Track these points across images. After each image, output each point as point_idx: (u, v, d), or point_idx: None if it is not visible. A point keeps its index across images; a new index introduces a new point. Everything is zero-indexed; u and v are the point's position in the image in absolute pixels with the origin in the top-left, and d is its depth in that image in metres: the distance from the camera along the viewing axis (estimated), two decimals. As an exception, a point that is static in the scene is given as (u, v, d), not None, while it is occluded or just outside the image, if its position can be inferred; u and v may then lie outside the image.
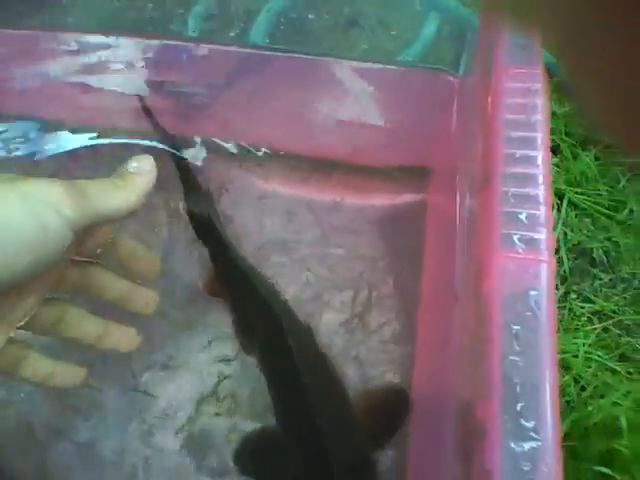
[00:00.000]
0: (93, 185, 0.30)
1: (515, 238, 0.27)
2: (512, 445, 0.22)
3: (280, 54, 0.59)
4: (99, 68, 0.60)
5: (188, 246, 0.52)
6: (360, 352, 0.51)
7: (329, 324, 0.51)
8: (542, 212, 0.28)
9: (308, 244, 0.55)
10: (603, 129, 0.15)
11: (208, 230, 0.50)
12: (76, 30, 0.59)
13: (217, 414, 0.47)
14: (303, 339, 0.46)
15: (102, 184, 0.31)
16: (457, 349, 0.37)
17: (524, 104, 0.33)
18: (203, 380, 0.48)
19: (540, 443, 0.22)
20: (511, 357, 0.24)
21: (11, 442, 0.47)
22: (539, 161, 0.30)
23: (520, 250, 0.27)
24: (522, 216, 0.28)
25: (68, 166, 0.59)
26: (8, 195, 0.26)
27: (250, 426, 0.46)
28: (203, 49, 0.59)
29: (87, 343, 0.37)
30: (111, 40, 0.59)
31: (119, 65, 0.60)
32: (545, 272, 0.26)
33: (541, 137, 0.31)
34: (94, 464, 0.47)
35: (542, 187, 0.29)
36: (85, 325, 0.36)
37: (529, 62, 0.36)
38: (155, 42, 0.59)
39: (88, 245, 0.35)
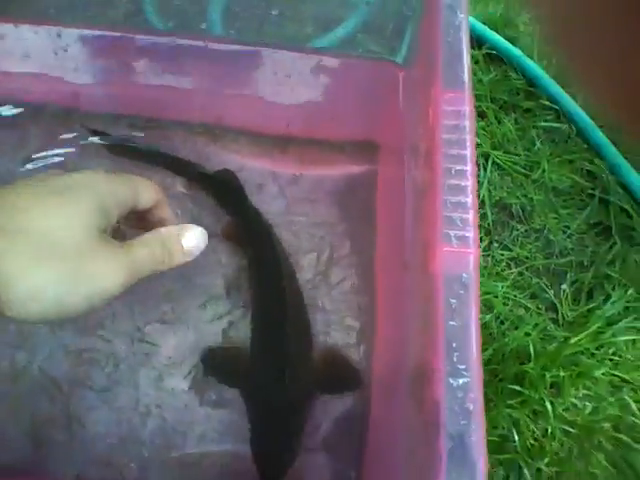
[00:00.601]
0: (148, 263, 0.36)
1: (452, 235, 0.39)
2: (451, 381, 0.34)
3: (235, 46, 0.67)
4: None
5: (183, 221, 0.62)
6: (325, 302, 0.62)
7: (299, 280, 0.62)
8: (470, 216, 0.39)
9: (275, 214, 0.65)
10: (608, 113, 0.16)
11: (230, 187, 0.61)
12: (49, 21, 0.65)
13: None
14: (293, 283, 0.58)
15: (154, 259, 0.37)
16: (410, 305, 0.49)
17: (456, 125, 0.44)
18: (201, 332, 0.59)
19: (469, 379, 0.34)
20: (450, 322, 0.36)
21: (39, 393, 0.57)
22: (468, 174, 0.41)
23: (455, 245, 0.38)
24: (457, 219, 0.39)
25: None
26: (79, 278, 0.32)
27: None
28: (166, 40, 0.67)
29: None
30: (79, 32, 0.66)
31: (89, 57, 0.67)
32: (472, 261, 0.38)
33: (469, 154, 0.42)
34: (113, 406, 0.57)
35: (470, 196, 0.40)
36: None
37: (460, 86, 0.46)
38: (118, 34, 0.66)
39: None
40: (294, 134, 0.70)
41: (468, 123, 0.44)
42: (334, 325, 0.61)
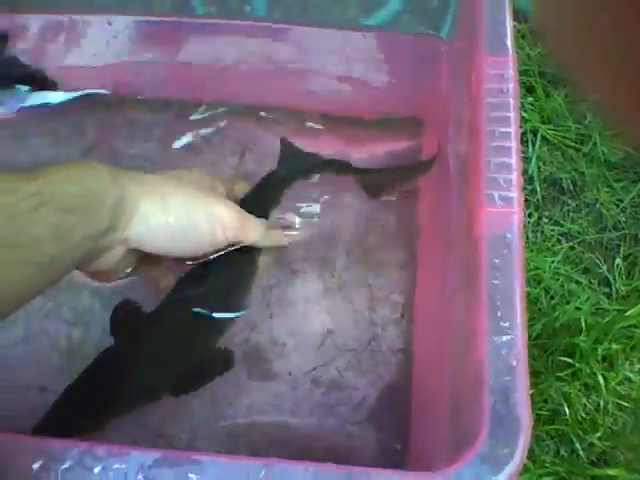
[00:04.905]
0: (255, 224, 0.45)
1: (496, 196, 0.39)
2: (494, 339, 0.34)
3: (281, 25, 0.68)
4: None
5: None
6: (369, 278, 0.62)
7: (342, 259, 0.63)
8: (514, 176, 0.39)
9: (324, 192, 0.65)
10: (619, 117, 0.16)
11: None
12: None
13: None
14: None
15: (260, 226, 0.46)
16: (454, 274, 0.49)
17: (500, 88, 0.43)
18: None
19: (512, 336, 0.34)
20: (494, 281, 0.36)
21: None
22: (512, 136, 0.41)
23: (499, 206, 0.38)
24: (500, 180, 0.39)
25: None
26: (199, 214, 0.41)
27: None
28: (211, 22, 0.68)
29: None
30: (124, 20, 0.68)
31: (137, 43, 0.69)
32: (516, 221, 0.38)
33: (513, 116, 0.42)
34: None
35: (515, 157, 0.40)
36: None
37: (503, 50, 0.46)
38: (165, 20, 0.68)
39: None
40: (339, 113, 0.70)
41: (512, 86, 0.43)
42: (378, 301, 0.61)
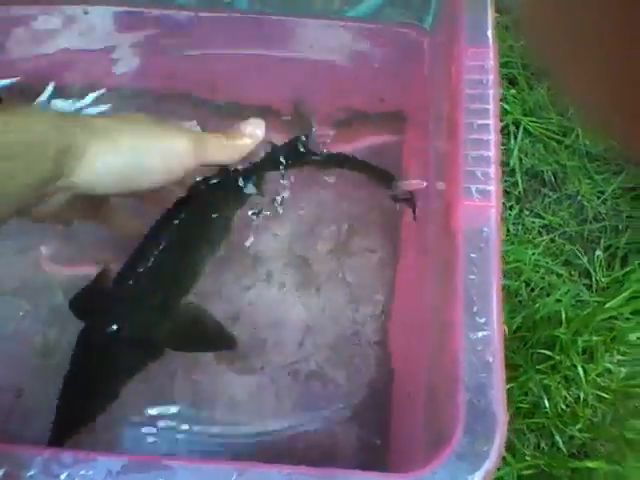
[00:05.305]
0: (212, 141, 0.42)
1: (473, 190, 0.38)
2: (470, 335, 0.34)
3: (261, 16, 0.67)
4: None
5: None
6: (346, 274, 0.61)
7: (321, 252, 0.62)
8: (492, 169, 0.39)
9: (300, 185, 0.64)
10: (606, 133, 0.16)
11: None
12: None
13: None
14: None
15: (218, 141, 0.43)
16: (432, 271, 0.48)
17: (479, 80, 0.43)
18: (230, 301, 0.59)
19: (488, 332, 0.34)
20: (470, 276, 0.35)
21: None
22: (491, 129, 0.40)
23: (477, 199, 0.38)
24: (478, 173, 0.38)
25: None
26: (153, 147, 0.39)
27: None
28: (192, 14, 0.67)
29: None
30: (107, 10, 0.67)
31: (116, 34, 0.67)
32: (494, 215, 0.37)
33: (492, 108, 0.41)
34: (144, 377, 0.58)
35: (493, 150, 0.39)
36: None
37: (483, 42, 0.45)
38: (150, 11, 0.67)
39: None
40: (321, 106, 0.69)
41: (492, 77, 0.43)
42: (357, 297, 0.60)
